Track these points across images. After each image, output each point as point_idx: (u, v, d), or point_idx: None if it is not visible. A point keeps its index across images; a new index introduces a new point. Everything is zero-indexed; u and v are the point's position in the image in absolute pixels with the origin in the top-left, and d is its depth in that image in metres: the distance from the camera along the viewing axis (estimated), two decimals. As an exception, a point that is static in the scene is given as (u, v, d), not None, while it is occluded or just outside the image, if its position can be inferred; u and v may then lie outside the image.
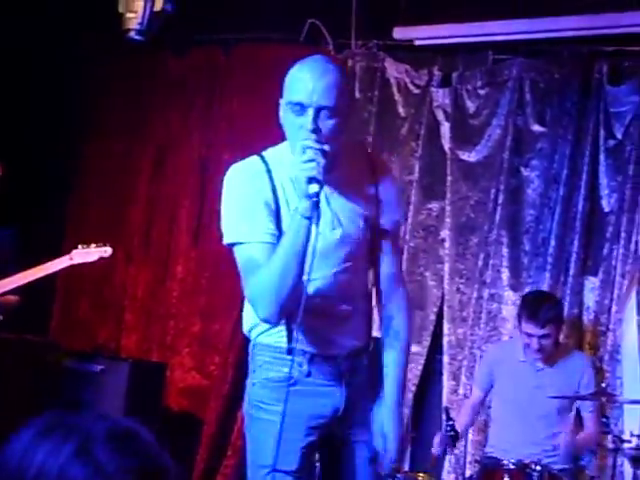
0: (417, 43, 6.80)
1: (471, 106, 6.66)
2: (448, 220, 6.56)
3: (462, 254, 6.50)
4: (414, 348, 6.50)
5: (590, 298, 6.13)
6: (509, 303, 6.29)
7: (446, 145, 6.69)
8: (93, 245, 5.66)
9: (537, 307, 5.34)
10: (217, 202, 7.14)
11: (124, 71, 7.68)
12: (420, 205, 6.70)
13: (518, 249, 6.34)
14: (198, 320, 7.16)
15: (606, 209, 6.18)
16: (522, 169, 6.44)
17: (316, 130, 3.21)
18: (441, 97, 6.75)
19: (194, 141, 7.49)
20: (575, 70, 6.37)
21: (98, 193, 7.72)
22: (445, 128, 6.71)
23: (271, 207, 3.31)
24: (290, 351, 3.27)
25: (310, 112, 3.21)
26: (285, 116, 3.32)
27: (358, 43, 7.04)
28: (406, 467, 6.28)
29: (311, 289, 3.22)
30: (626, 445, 4.98)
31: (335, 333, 3.35)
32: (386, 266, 3.47)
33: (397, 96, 6.92)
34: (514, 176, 6.44)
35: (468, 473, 5.86)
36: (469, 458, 6.11)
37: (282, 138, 6.86)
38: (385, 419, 3.36)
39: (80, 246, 5.60)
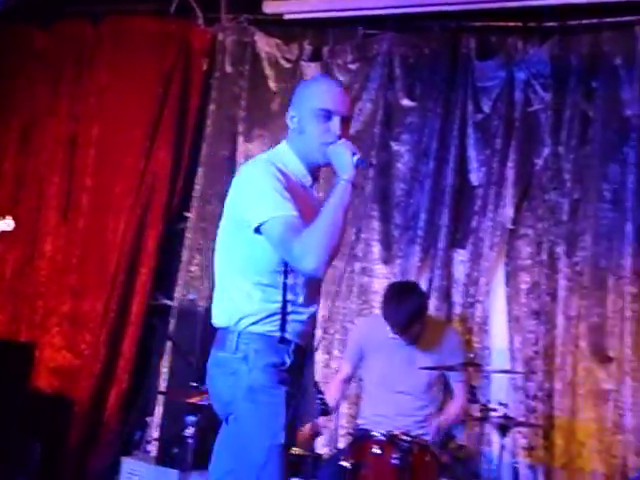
0: (287, 17, 6.79)
1: (342, 80, 6.65)
2: (320, 194, 6.54)
3: (334, 228, 6.49)
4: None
5: (459, 270, 6.21)
6: (380, 276, 6.34)
7: (317, 119, 6.68)
8: None
9: (394, 313, 5.33)
10: (87, 177, 7.11)
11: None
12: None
13: (389, 223, 6.38)
14: (68, 299, 7.04)
15: (474, 182, 6.26)
16: (392, 143, 6.48)
17: (340, 136, 3.54)
18: (312, 71, 6.74)
19: (62, 115, 7.33)
20: (444, 45, 6.44)
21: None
22: (316, 102, 6.69)
23: None
24: (282, 340, 3.46)
25: (336, 120, 3.53)
26: (308, 119, 3.56)
27: (228, 17, 7.00)
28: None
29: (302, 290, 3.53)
30: (493, 414, 5.07)
31: (311, 327, 3.63)
32: None
33: (268, 70, 6.90)
34: (384, 150, 6.48)
35: (341, 446, 5.89)
36: (342, 431, 6.14)
37: (151, 112, 6.75)
38: None
39: None
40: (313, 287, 3.58)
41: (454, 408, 5.45)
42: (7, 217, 5.48)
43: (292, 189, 3.48)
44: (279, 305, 3.48)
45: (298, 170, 3.62)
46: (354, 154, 3.49)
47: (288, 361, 3.47)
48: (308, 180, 3.67)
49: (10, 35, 7.43)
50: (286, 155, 3.62)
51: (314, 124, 3.56)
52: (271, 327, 3.47)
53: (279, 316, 3.48)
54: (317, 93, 3.60)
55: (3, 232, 5.42)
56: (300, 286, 3.51)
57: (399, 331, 5.34)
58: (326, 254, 3.40)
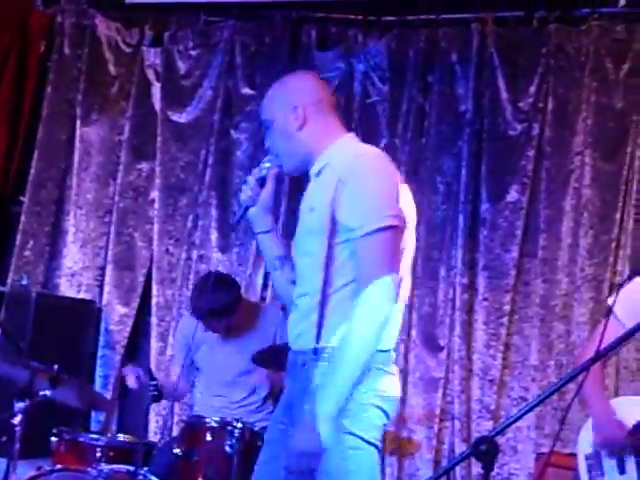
0: (128, 1, 6.72)
1: (182, 67, 6.65)
2: (158, 181, 6.54)
3: (171, 215, 6.49)
4: (123, 310, 6.47)
5: (296, 259, 6.25)
6: (218, 264, 6.34)
7: (157, 105, 6.65)
8: None
9: (194, 302, 5.20)
10: None
11: None
12: (130, 165, 6.64)
13: (227, 210, 6.39)
14: None
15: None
16: (232, 131, 6.49)
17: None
18: (152, 57, 6.71)
19: None
20: (285, 34, 6.47)
21: None
22: (156, 88, 6.67)
23: None
24: None
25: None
26: None
27: (68, -1, 6.89)
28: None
29: None
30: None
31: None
32: None
33: (108, 54, 6.82)
34: (224, 138, 6.49)
35: (175, 434, 5.87)
36: (176, 419, 6.13)
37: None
38: None
39: None
40: None
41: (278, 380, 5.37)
42: None
43: None
44: None
45: None
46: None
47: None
48: None
49: None
50: None
51: None
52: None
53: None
54: None
55: None
56: None
57: (200, 322, 5.16)
58: None
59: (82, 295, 6.56)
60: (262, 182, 3.42)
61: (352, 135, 3.34)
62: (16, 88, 6.89)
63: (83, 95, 6.78)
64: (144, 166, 6.63)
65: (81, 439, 5.05)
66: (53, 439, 5.03)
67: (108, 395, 6.34)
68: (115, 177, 6.63)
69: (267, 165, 3.43)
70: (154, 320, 6.40)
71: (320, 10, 6.45)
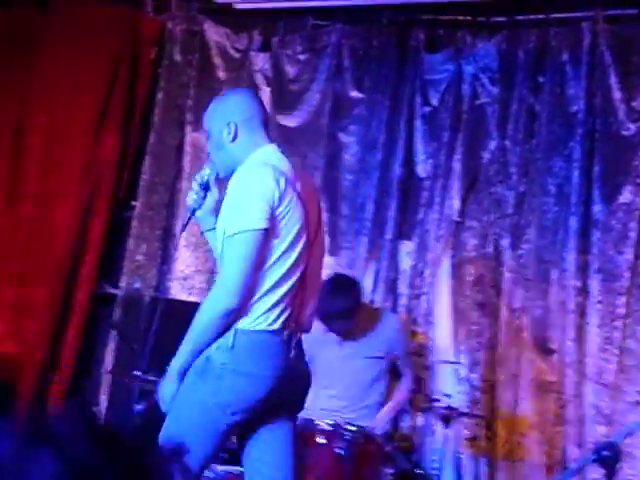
0: (237, 7, 6.77)
1: (291, 71, 6.68)
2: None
3: (281, 218, 6.51)
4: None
5: (405, 262, 6.25)
6: (327, 267, 6.32)
7: (266, 109, 6.69)
8: None
9: (320, 304, 5.24)
10: (34, 164, 7.05)
11: None
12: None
13: (336, 214, 6.40)
14: (13, 286, 6.97)
15: (421, 174, 6.30)
16: (340, 134, 6.50)
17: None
18: (261, 62, 6.76)
19: (9, 101, 7.26)
20: (392, 37, 6.46)
21: None
22: (265, 93, 6.71)
23: None
24: None
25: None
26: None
27: (178, 5, 6.97)
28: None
29: None
30: (437, 405, 5.10)
31: None
32: None
33: (217, 60, 6.89)
34: (332, 141, 6.50)
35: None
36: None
37: (99, 100, 6.74)
38: None
39: None
40: None
41: (400, 393, 5.43)
42: None
43: None
44: None
45: None
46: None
47: None
48: None
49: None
50: None
51: None
52: None
53: None
54: None
55: None
56: None
57: (322, 323, 5.24)
58: None
59: (193, 298, 6.62)
60: (206, 186, 3.86)
61: (269, 147, 3.79)
62: (128, 95, 7.00)
63: (193, 100, 6.87)
64: (253, 170, 6.67)
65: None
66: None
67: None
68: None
69: (207, 172, 3.87)
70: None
71: (428, 12, 6.42)
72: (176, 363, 3.59)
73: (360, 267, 6.24)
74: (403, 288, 6.22)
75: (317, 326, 5.23)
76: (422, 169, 6.31)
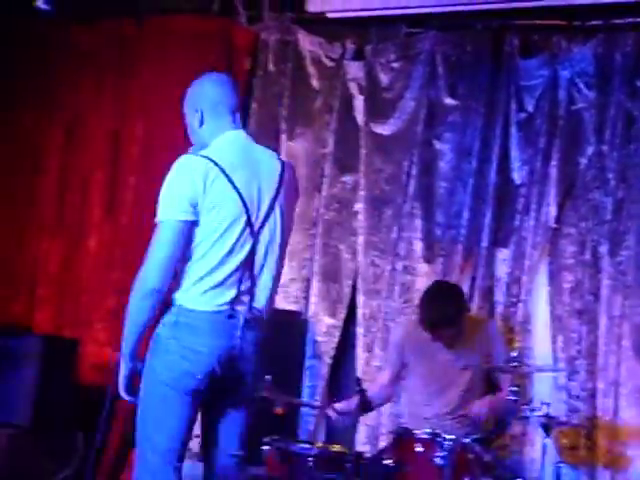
0: (330, 16, 6.80)
1: (384, 79, 6.68)
2: (362, 193, 6.59)
3: (376, 227, 6.53)
4: (329, 321, 6.55)
5: (502, 269, 6.20)
6: (422, 275, 6.34)
7: (360, 118, 6.71)
8: None
9: (425, 311, 5.35)
10: (131, 174, 7.16)
11: (32, 42, 7.55)
12: (334, 178, 6.72)
13: (431, 221, 6.39)
14: (112, 295, 7.08)
15: (517, 181, 6.25)
16: (435, 142, 6.49)
17: None
18: (355, 70, 6.77)
19: (106, 112, 7.39)
20: (486, 43, 6.43)
21: (7, 165, 7.58)
22: (359, 101, 6.73)
23: None
24: None
25: None
26: None
27: (271, 16, 7.02)
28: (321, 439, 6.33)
29: None
30: (536, 413, 5.06)
31: None
32: None
33: (311, 69, 6.92)
34: (427, 149, 6.49)
35: (382, 445, 5.90)
36: (383, 430, 6.16)
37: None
38: None
39: None
40: None
41: (501, 394, 5.39)
42: None
43: None
44: None
45: None
46: None
47: None
48: None
49: (53, 32, 7.50)
50: None
51: None
52: None
53: None
54: None
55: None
56: None
57: (429, 331, 5.32)
58: None
59: (289, 307, 6.66)
60: None
61: (233, 133, 3.98)
62: (223, 105, 7.06)
63: (287, 110, 6.91)
64: (348, 178, 6.70)
65: (293, 448, 5.15)
66: (265, 448, 5.14)
67: (316, 404, 6.42)
68: (320, 190, 6.73)
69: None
70: (360, 331, 6.45)
71: (522, 17, 6.37)
72: (123, 346, 3.80)
73: (455, 275, 6.22)
74: (499, 296, 6.18)
75: (424, 334, 5.30)
76: (518, 176, 6.26)
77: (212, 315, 3.74)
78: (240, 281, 3.78)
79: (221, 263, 3.76)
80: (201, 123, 4.00)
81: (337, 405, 5.47)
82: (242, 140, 3.97)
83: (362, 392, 5.06)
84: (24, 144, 7.55)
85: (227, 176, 3.77)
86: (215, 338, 3.74)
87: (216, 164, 3.77)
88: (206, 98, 4.02)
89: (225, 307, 3.75)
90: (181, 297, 3.78)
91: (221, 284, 3.75)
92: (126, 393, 3.82)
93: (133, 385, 3.83)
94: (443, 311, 5.27)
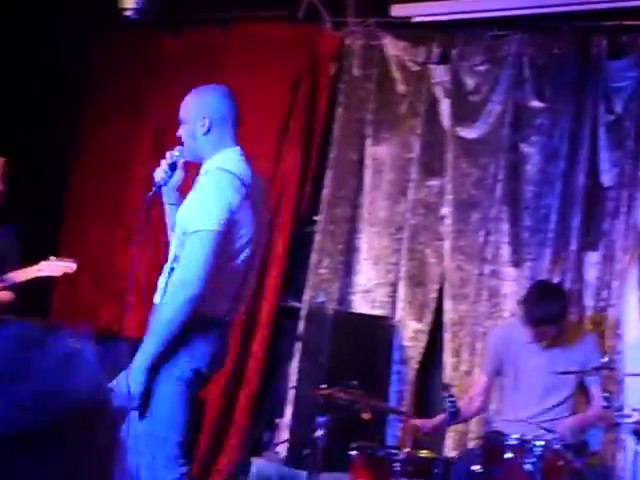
0: (415, 20, 6.78)
1: (470, 83, 6.64)
2: (448, 197, 6.56)
3: (462, 231, 6.49)
4: (416, 325, 6.53)
5: (591, 273, 6.13)
6: (510, 279, 6.29)
7: (445, 122, 6.68)
8: (61, 259, 5.64)
9: (530, 308, 5.34)
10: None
11: (120, 51, 7.67)
12: (420, 182, 6.69)
13: (518, 225, 6.33)
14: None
15: (606, 184, 6.17)
16: (522, 145, 6.43)
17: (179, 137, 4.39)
18: (440, 74, 6.74)
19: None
20: (574, 45, 6.35)
21: (97, 174, 7.70)
22: (444, 105, 6.70)
23: None
24: None
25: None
26: None
27: (356, 21, 7.02)
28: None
29: None
30: (628, 420, 4.98)
31: None
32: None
33: (396, 73, 6.90)
34: (513, 152, 6.44)
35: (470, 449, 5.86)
36: (472, 435, 6.12)
37: (280, 116, 6.88)
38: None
39: (51, 258, 5.58)
40: None
41: (591, 410, 5.36)
42: (73, 261, 5.62)
43: None
44: None
45: None
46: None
47: None
48: None
49: (142, 40, 7.61)
50: None
51: None
52: None
53: None
54: None
55: (66, 273, 5.59)
56: None
57: (532, 328, 5.30)
58: None
59: (376, 311, 6.66)
60: (173, 166, 4.28)
61: (233, 150, 4.23)
62: (308, 110, 7.10)
63: (373, 114, 6.91)
64: (434, 183, 6.67)
65: (380, 453, 5.14)
66: (352, 453, 5.14)
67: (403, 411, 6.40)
68: (406, 194, 6.71)
69: (177, 154, 4.29)
70: (447, 336, 6.41)
71: (610, 18, 6.28)
72: (144, 356, 4.06)
73: (544, 279, 6.15)
74: (589, 300, 6.10)
75: (520, 336, 5.28)
76: (607, 178, 6.18)
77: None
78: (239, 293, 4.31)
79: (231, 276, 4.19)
80: (207, 132, 4.20)
81: (423, 424, 5.45)
82: (240, 158, 4.25)
83: (452, 403, 5.04)
84: (113, 152, 7.67)
85: (249, 194, 4.14)
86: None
87: (242, 182, 4.13)
88: (216, 109, 4.25)
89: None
90: None
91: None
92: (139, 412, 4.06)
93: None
94: (549, 309, 5.30)
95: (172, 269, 4.15)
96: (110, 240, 7.55)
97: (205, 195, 4.10)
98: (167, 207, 4.46)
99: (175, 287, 4.04)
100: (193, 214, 4.10)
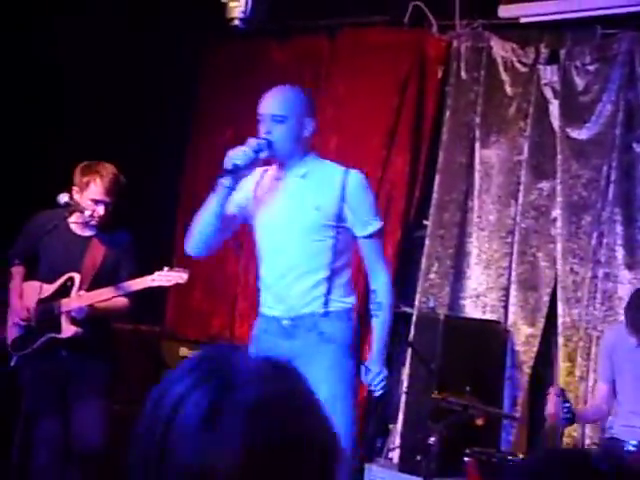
0: (523, 20, 6.70)
1: (580, 83, 6.54)
2: (559, 199, 6.46)
3: (575, 233, 6.39)
4: (528, 330, 6.45)
5: None
6: (625, 282, 6.17)
7: (555, 123, 6.58)
8: (174, 269, 5.71)
9: (634, 315, 5.23)
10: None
11: (228, 60, 7.75)
12: (530, 185, 6.61)
13: (633, 227, 6.21)
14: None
15: None
16: (635, 145, 6.31)
17: (267, 132, 4.22)
18: (549, 74, 6.65)
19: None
20: (687, 41, 6.22)
21: (209, 183, 7.77)
22: (554, 106, 6.60)
23: None
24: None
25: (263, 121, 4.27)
26: None
27: (462, 23, 6.96)
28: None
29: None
30: None
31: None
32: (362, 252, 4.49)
33: (504, 75, 6.83)
34: (626, 152, 6.31)
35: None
36: (587, 441, 6.02)
37: (388, 121, 6.89)
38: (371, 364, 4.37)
39: (165, 268, 5.66)
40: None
41: None
42: (185, 271, 5.67)
43: None
44: None
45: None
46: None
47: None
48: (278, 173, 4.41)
49: (250, 50, 7.68)
50: None
51: None
52: None
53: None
54: None
55: (177, 284, 5.65)
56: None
57: (635, 336, 5.20)
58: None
59: (487, 316, 6.60)
60: (257, 152, 4.17)
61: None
62: (416, 114, 7.07)
63: (481, 117, 6.85)
64: (545, 185, 6.58)
65: (494, 459, 5.10)
66: (466, 459, 5.11)
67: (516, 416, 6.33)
68: (516, 197, 6.63)
69: (264, 143, 4.18)
70: (561, 340, 6.32)
71: None
72: (383, 349, 4.40)
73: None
74: None
75: (631, 340, 5.19)
76: None
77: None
78: None
79: None
80: (313, 132, 4.23)
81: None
82: None
83: (567, 408, 4.97)
84: (221, 161, 7.72)
85: None
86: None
87: None
88: (314, 112, 4.30)
89: None
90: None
91: None
92: None
93: None
94: None
95: (303, 274, 4.34)
96: (222, 247, 7.61)
97: (368, 195, 4.41)
98: (225, 190, 4.39)
99: (390, 287, 4.43)
100: (364, 216, 4.35)
